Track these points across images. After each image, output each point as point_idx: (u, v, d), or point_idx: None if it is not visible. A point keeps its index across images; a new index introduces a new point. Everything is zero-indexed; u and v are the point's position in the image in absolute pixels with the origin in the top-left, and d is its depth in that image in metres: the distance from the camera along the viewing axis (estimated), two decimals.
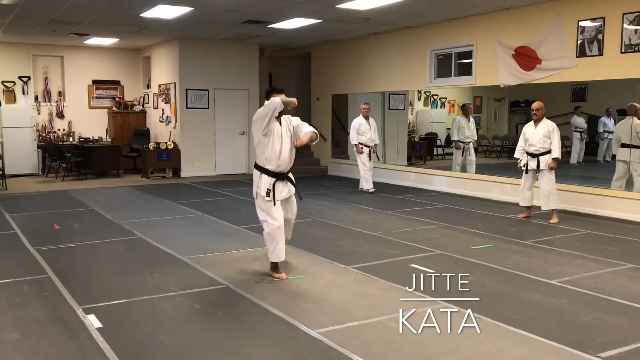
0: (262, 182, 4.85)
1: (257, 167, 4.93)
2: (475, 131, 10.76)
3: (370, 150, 10.14)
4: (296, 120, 5.04)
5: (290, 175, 5.03)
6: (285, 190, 4.96)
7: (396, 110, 12.43)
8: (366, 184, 10.22)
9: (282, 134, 4.86)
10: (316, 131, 4.99)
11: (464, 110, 10.76)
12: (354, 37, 12.18)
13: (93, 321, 3.94)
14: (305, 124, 5.00)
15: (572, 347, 3.52)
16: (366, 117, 10.17)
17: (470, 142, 10.54)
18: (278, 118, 4.84)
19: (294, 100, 4.83)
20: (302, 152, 13.28)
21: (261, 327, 3.90)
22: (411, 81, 11.18)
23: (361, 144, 10.09)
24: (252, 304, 4.36)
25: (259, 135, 4.81)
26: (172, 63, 12.79)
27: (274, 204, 4.85)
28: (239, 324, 3.99)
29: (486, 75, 9.58)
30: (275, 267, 5.03)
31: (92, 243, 6.37)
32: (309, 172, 12.68)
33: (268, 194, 4.81)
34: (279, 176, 4.89)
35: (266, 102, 4.79)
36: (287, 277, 4.97)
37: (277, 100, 4.68)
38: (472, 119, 10.68)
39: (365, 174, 10.19)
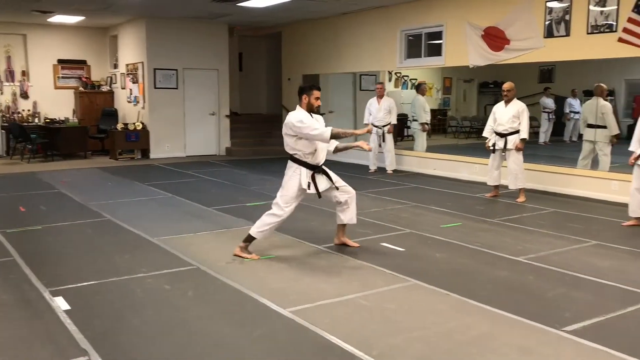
0: (303, 176, 4.92)
1: (295, 160, 4.97)
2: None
3: (380, 131, 10.05)
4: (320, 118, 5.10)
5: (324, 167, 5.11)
6: (323, 180, 5.03)
7: (367, 91, 12.42)
8: (371, 165, 10.48)
9: None
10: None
11: (422, 89, 10.89)
12: (325, 16, 12.10)
13: (60, 303, 3.88)
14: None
15: (537, 322, 3.59)
16: (380, 97, 10.09)
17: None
18: (311, 114, 4.97)
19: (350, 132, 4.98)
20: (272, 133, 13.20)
21: (232, 307, 3.90)
22: (382, 62, 11.16)
23: (371, 124, 10.05)
24: (222, 284, 4.36)
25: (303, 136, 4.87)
26: (140, 42, 12.53)
27: (319, 197, 5.01)
28: (210, 304, 3.98)
29: (456, 55, 9.62)
30: (246, 247, 5.02)
31: (59, 225, 6.27)
32: (280, 153, 12.55)
33: (309, 186, 4.91)
34: (317, 168, 5.00)
35: (305, 121, 4.80)
36: (259, 258, 4.98)
37: (326, 136, 4.72)
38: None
39: (370, 155, 10.33)
